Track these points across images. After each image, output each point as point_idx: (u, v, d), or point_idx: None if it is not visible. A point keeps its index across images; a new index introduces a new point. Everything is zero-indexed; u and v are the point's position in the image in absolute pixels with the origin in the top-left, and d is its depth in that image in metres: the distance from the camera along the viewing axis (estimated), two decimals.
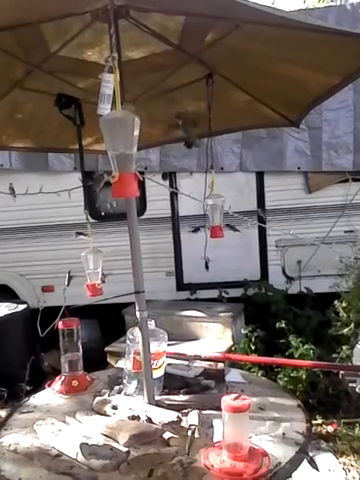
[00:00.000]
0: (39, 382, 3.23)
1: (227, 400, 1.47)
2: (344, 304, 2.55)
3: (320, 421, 3.60)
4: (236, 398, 1.48)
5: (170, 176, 5.16)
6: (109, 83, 1.35)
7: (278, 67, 2.12)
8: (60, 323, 2.23)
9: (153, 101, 2.34)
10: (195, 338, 4.35)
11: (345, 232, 4.89)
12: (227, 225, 4.63)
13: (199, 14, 1.76)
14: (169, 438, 1.63)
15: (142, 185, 4.96)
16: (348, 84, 2.14)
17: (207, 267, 4.72)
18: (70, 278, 2.20)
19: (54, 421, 1.82)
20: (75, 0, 1.62)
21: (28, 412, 1.99)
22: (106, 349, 4.29)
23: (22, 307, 4.78)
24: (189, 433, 1.62)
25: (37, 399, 2.13)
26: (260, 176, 5.07)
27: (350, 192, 4.84)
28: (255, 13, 1.34)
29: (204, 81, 2.27)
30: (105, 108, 1.36)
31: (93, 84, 2.10)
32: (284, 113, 2.56)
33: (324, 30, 1.60)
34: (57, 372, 2.31)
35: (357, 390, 2.76)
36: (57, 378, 2.23)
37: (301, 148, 4.90)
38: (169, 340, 2.07)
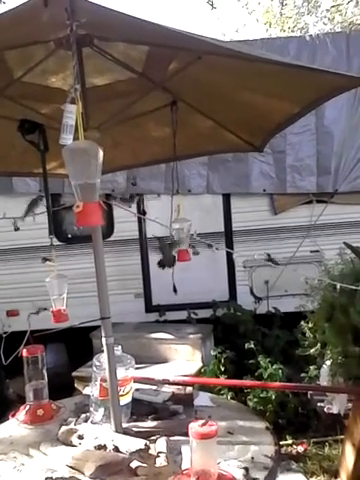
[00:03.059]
0: (4, 410, 3.13)
1: (194, 426, 1.47)
2: (310, 325, 2.59)
3: (290, 441, 3.62)
4: (204, 424, 1.48)
5: (138, 198, 5.17)
6: (71, 114, 1.36)
7: (240, 95, 2.19)
8: (24, 350, 2.18)
9: (118, 126, 2.35)
10: (164, 360, 4.32)
11: (311, 252, 5.01)
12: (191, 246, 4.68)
13: (161, 45, 1.80)
14: (137, 467, 1.60)
15: (109, 207, 4.96)
16: (308, 112, 2.21)
17: (175, 290, 4.73)
18: (43, 309, 2.17)
19: (17, 454, 1.77)
20: (39, 29, 1.63)
21: None
22: (73, 374, 4.20)
23: None
24: (157, 461, 1.60)
25: (0, 431, 2.06)
26: (227, 198, 5.15)
27: (314, 213, 4.97)
28: (214, 48, 1.38)
29: (169, 107, 2.31)
30: (68, 138, 1.36)
31: (57, 110, 2.09)
32: (247, 139, 2.62)
33: (282, 63, 1.66)
34: (23, 399, 2.25)
35: (325, 410, 2.79)
36: (21, 407, 2.17)
37: (266, 171, 5.02)
38: (138, 363, 2.06)
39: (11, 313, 5.16)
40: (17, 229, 4.68)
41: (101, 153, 1.35)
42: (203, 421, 1.50)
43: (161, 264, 2.27)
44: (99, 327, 1.90)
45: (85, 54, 1.86)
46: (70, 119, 1.36)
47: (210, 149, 3.06)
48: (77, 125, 1.37)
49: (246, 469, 1.60)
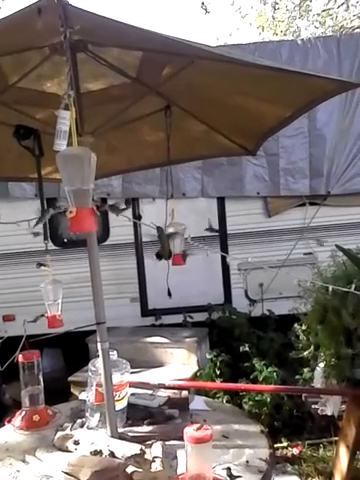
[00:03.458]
0: (0, 415, 3.12)
1: (189, 431, 1.47)
2: (303, 327, 2.60)
3: (285, 444, 3.62)
4: (199, 428, 1.48)
5: (133, 202, 5.18)
6: (65, 120, 1.37)
7: (233, 99, 2.20)
8: (20, 356, 2.17)
9: (113, 131, 2.36)
10: (160, 364, 4.32)
11: (304, 254, 5.03)
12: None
13: (154, 50, 1.81)
14: (132, 472, 1.60)
15: (105, 211, 4.95)
16: (300, 116, 2.23)
17: (169, 294, 4.73)
18: (40, 316, 2.17)
19: (12, 461, 1.76)
20: (33, 35, 1.63)
21: None
22: (70, 379, 4.19)
23: None
24: (153, 466, 1.61)
25: None
26: (221, 201, 5.17)
27: (308, 215, 4.99)
28: (207, 54, 1.39)
29: (163, 112, 2.32)
30: (61, 144, 1.37)
31: (52, 115, 2.09)
32: (241, 142, 2.63)
33: (271, 68, 1.68)
34: (19, 405, 2.25)
35: (319, 412, 2.80)
36: (17, 413, 2.16)
37: (260, 174, 5.04)
38: (134, 367, 2.06)
39: (7, 318, 5.14)
40: (37, 234, 4.61)
41: (94, 159, 1.36)
42: (198, 425, 1.50)
43: (158, 256, 2.28)
44: (95, 332, 1.90)
45: (79, 59, 1.86)
46: (64, 125, 1.37)
47: (204, 153, 3.07)
48: (71, 131, 1.38)
49: (228, 469, 1.60)
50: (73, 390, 4.10)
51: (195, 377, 4.08)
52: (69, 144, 1.41)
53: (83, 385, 3.43)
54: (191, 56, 1.76)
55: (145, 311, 5.24)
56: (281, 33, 11.66)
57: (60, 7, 1.27)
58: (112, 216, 5.04)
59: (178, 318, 5.02)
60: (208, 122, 2.49)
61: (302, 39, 5.10)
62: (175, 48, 1.59)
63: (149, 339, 4.51)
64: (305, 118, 4.79)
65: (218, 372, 4.06)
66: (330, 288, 2.25)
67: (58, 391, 3.20)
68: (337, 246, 2.71)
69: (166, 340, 4.46)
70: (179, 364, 4.33)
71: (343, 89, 1.94)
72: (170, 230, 2.41)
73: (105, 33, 1.60)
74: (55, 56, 1.89)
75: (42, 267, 2.30)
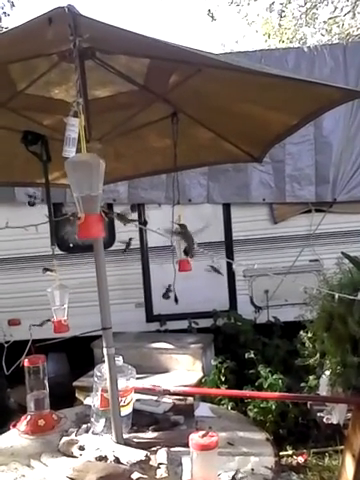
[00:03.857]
0: (5, 420, 3.12)
1: (195, 438, 1.47)
2: (309, 334, 2.59)
3: (290, 452, 3.60)
4: (204, 435, 1.48)
5: (139, 208, 5.19)
6: (74, 127, 1.38)
7: (240, 107, 2.21)
8: (26, 360, 2.18)
9: (120, 137, 2.38)
10: (165, 370, 4.31)
11: (310, 261, 5.02)
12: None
13: (162, 58, 1.83)
14: (137, 478, 1.60)
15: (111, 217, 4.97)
16: (307, 124, 2.24)
17: (176, 300, 4.73)
18: (47, 321, 2.18)
19: (17, 465, 1.77)
20: (43, 43, 1.66)
21: None
22: (74, 384, 4.20)
23: None
24: (158, 473, 1.60)
25: (1, 441, 2.06)
26: (227, 208, 5.17)
27: (313, 222, 4.99)
28: (214, 62, 1.40)
29: (169, 119, 2.33)
30: (70, 151, 1.38)
31: (60, 121, 2.12)
32: (247, 149, 2.64)
33: (278, 76, 1.69)
34: (24, 409, 2.25)
35: (325, 420, 2.78)
36: (22, 418, 2.16)
37: (265, 180, 5.05)
38: (139, 373, 2.06)
39: (12, 322, 5.16)
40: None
41: (103, 165, 1.37)
42: (204, 432, 1.50)
43: (186, 252, 2.31)
44: (100, 337, 1.90)
45: (88, 67, 1.88)
46: (73, 132, 1.38)
47: (210, 160, 3.09)
48: (80, 137, 1.39)
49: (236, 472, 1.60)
50: (78, 395, 4.10)
51: (200, 383, 4.07)
52: (78, 150, 1.42)
53: (88, 390, 3.43)
54: (198, 64, 1.77)
55: (150, 317, 5.24)
56: (287, 40, 11.71)
57: (70, 17, 1.29)
58: (118, 222, 5.06)
59: (183, 324, 5.02)
60: (215, 129, 2.50)
61: (308, 47, 5.12)
62: (182, 56, 1.60)
63: (154, 345, 4.51)
64: (311, 125, 4.80)
65: (223, 379, 4.05)
66: (336, 295, 2.25)
67: (63, 396, 3.20)
68: (343, 253, 2.70)
69: (171, 346, 4.46)
70: (184, 370, 4.32)
71: (350, 98, 1.95)
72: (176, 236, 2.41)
73: (113, 41, 1.61)
74: (63, 63, 1.92)
75: (48, 272, 2.31)
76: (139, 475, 1.60)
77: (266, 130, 2.35)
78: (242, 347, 4.41)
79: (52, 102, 2.24)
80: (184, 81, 2.00)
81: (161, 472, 1.60)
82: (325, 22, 11.76)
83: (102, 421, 1.95)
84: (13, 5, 10.71)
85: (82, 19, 1.32)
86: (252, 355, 4.06)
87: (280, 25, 11.86)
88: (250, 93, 2.03)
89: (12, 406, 4.56)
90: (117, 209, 4.87)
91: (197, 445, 1.45)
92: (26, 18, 1.31)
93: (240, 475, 1.64)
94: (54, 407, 2.24)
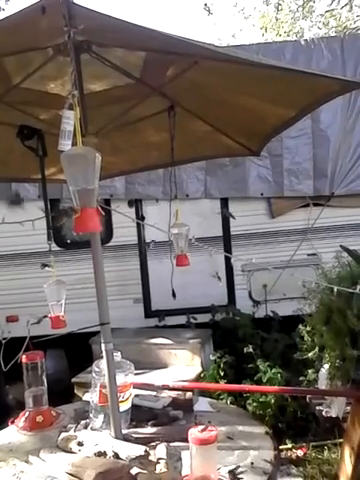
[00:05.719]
0: (3, 416, 3.12)
1: (194, 432, 1.46)
2: (308, 328, 2.59)
3: (290, 445, 3.61)
4: (203, 430, 1.48)
5: (136, 203, 5.18)
6: (70, 120, 1.36)
7: (237, 99, 2.20)
8: (23, 356, 2.17)
9: (116, 131, 2.36)
10: (164, 366, 4.31)
11: (308, 255, 5.02)
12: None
13: (158, 50, 1.81)
14: (137, 474, 1.59)
15: (108, 212, 4.95)
16: (304, 116, 2.23)
17: (174, 295, 4.72)
18: (44, 317, 2.17)
19: (16, 462, 1.76)
20: (37, 35, 1.63)
21: None
22: (73, 380, 4.19)
23: None
24: (157, 468, 1.60)
25: None
26: (225, 202, 5.16)
27: (311, 216, 4.98)
28: (212, 54, 1.39)
29: (166, 112, 2.31)
30: (66, 144, 1.37)
31: (56, 115, 2.10)
32: (244, 143, 2.63)
33: (277, 67, 1.68)
34: (22, 405, 2.24)
35: (324, 413, 2.78)
36: (21, 414, 2.16)
37: (263, 175, 5.03)
38: (137, 369, 2.06)
39: (10, 319, 5.15)
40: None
41: (99, 158, 1.36)
42: (203, 427, 1.49)
43: None
44: (99, 333, 1.89)
45: (83, 60, 1.86)
46: (68, 125, 1.36)
47: (208, 154, 3.07)
48: (75, 131, 1.38)
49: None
50: (76, 391, 4.09)
51: (199, 378, 4.07)
52: (73, 144, 1.40)
53: (86, 386, 3.43)
54: (196, 56, 1.75)
55: (148, 312, 5.23)
56: (284, 34, 11.66)
57: (64, 6, 1.27)
58: (116, 217, 5.05)
59: (181, 319, 5.01)
60: (212, 122, 2.48)
61: (306, 40, 5.08)
62: (179, 47, 1.58)
63: (152, 340, 4.51)
64: (309, 119, 4.78)
65: (222, 373, 4.05)
66: (335, 289, 2.24)
67: (61, 392, 3.20)
68: (342, 246, 2.70)
69: (169, 341, 4.45)
70: (183, 365, 4.32)
71: (348, 89, 1.93)
72: (174, 231, 2.40)
73: (109, 33, 1.59)
74: (59, 57, 1.89)
75: (46, 268, 2.30)
76: (138, 470, 1.59)
77: (264, 123, 2.34)
78: (241, 342, 4.41)
79: (48, 96, 2.22)
80: (181, 74, 1.99)
81: (160, 467, 1.60)
82: (322, 15, 11.71)
83: (101, 417, 1.94)
84: None
85: (77, 9, 1.30)
86: (251, 349, 4.06)
87: (277, 19, 11.82)
88: (248, 85, 2.02)
89: (10, 403, 4.56)
90: (114, 205, 4.87)
91: (196, 439, 1.44)
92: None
93: (240, 469, 1.63)
94: (52, 404, 2.23)
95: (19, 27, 1.39)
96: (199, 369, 4.23)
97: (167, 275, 4.08)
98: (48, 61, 1.95)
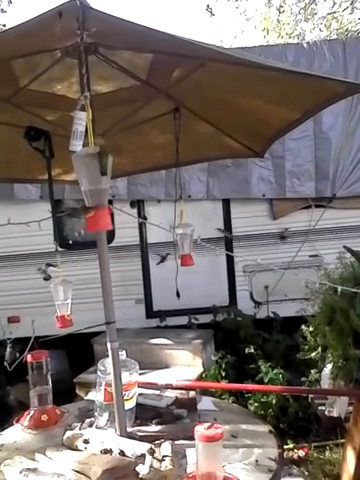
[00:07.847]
0: (5, 417, 3.13)
1: (200, 429, 1.48)
2: (311, 328, 2.61)
3: (291, 445, 3.62)
4: (209, 427, 1.49)
5: (138, 204, 5.19)
6: (82, 120, 1.38)
7: (242, 101, 2.22)
8: (29, 356, 2.18)
9: (122, 133, 2.39)
10: (166, 366, 4.32)
11: (310, 257, 5.03)
12: None
13: (165, 52, 1.83)
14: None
15: (111, 213, 4.96)
16: (308, 119, 2.25)
17: (178, 295, 4.74)
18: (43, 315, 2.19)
19: (23, 460, 1.77)
20: (48, 38, 1.66)
21: None
22: (75, 380, 4.20)
23: None
24: (162, 464, 1.61)
25: (4, 437, 2.07)
26: (226, 203, 5.18)
27: (313, 218, 5.00)
28: (218, 55, 1.41)
29: (171, 114, 2.33)
30: (77, 145, 1.38)
31: (62, 117, 2.13)
32: (248, 144, 2.65)
33: (283, 70, 1.70)
34: (24, 406, 2.26)
35: (326, 413, 2.79)
36: (26, 413, 2.17)
37: (265, 176, 5.05)
38: (140, 369, 2.07)
39: (12, 319, 5.16)
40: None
41: (111, 158, 1.38)
42: (209, 424, 1.51)
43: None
44: (101, 333, 1.91)
45: (90, 62, 1.86)
46: (80, 126, 1.38)
47: (211, 155, 3.09)
48: (87, 131, 1.40)
49: None
50: (78, 391, 4.11)
51: (200, 378, 4.08)
52: (84, 145, 1.42)
53: (88, 386, 3.45)
54: (202, 58, 1.77)
55: (150, 313, 5.25)
56: (286, 36, 11.68)
57: (81, 10, 1.28)
58: (118, 218, 5.05)
59: (183, 320, 5.03)
60: (216, 124, 2.50)
61: (308, 42, 5.11)
62: (187, 49, 1.60)
63: (154, 341, 4.52)
64: (311, 121, 4.79)
65: (223, 374, 4.06)
66: (339, 289, 2.26)
67: (63, 393, 3.20)
68: (345, 247, 2.71)
69: (171, 342, 4.47)
70: (184, 366, 4.33)
71: (352, 91, 1.95)
72: (179, 231, 2.42)
73: (118, 35, 1.61)
74: (66, 59, 1.92)
75: (50, 267, 2.32)
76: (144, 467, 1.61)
77: (268, 125, 2.36)
78: (242, 342, 4.43)
79: (55, 98, 2.24)
80: (187, 76, 2.01)
81: (166, 464, 1.61)
82: (324, 18, 11.73)
83: (106, 415, 1.95)
84: (10, 2, 10.63)
85: (91, 12, 1.31)
86: (252, 350, 4.08)
87: (278, 21, 11.83)
88: (252, 88, 2.04)
89: (11, 403, 4.57)
90: (116, 206, 4.88)
91: (202, 436, 1.45)
92: (23, 15, 1.31)
93: (243, 469, 1.65)
94: (54, 403, 2.23)
95: (34, 31, 1.41)
96: (200, 369, 4.24)
97: (169, 275, 4.11)
98: (56, 63, 1.97)
